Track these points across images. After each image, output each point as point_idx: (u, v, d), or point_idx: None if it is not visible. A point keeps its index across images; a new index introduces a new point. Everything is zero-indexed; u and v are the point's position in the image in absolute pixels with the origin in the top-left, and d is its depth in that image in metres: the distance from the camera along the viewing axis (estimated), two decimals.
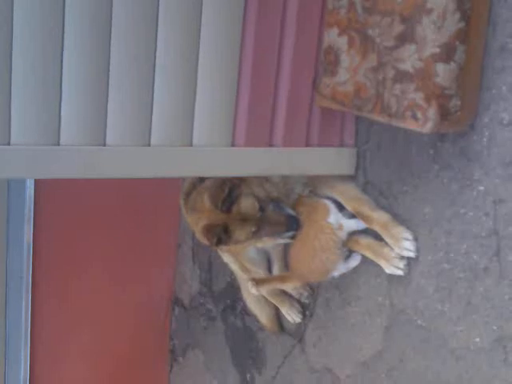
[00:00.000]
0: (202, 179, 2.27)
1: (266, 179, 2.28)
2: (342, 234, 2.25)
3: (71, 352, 3.18)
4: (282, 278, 2.44)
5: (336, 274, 2.31)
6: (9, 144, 1.74)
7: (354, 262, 2.30)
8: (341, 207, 2.30)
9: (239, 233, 2.22)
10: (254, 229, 2.23)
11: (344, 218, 2.26)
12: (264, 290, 2.48)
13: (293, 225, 2.29)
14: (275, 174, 2.28)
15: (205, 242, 2.30)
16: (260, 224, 2.23)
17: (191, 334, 3.36)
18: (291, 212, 2.30)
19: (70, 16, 1.75)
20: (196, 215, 2.28)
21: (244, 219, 2.20)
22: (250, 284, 2.39)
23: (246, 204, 2.20)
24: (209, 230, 2.22)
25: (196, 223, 2.29)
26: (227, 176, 2.18)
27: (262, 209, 2.22)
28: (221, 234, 2.20)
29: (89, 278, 3.12)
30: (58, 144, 1.81)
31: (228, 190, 2.16)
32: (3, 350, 3.06)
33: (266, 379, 2.89)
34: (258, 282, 2.44)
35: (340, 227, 2.25)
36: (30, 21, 1.71)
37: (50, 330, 3.08)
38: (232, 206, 2.18)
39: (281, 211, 2.28)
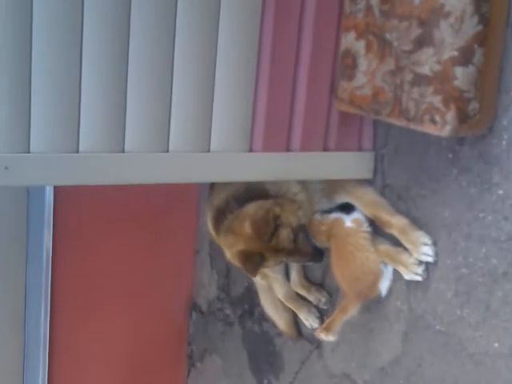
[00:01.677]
0: (237, 199, 2.29)
1: (298, 206, 2.30)
2: (365, 226, 2.26)
3: (89, 357, 3.19)
4: (342, 310, 2.33)
5: (383, 286, 2.27)
6: (28, 152, 1.76)
7: (390, 266, 2.26)
8: (345, 208, 2.32)
9: (271, 260, 2.26)
10: (284, 259, 2.29)
11: (357, 214, 2.28)
12: (335, 330, 2.39)
13: (317, 257, 2.34)
14: (293, 179, 2.28)
15: (236, 263, 2.31)
16: (289, 254, 2.27)
17: (209, 339, 3.36)
18: (317, 244, 2.34)
19: (88, 24, 1.76)
20: (232, 237, 2.28)
21: (278, 249, 2.23)
22: (322, 336, 2.35)
23: (284, 236, 2.22)
24: (247, 258, 2.23)
25: (231, 245, 2.30)
26: (246, 181, 2.20)
27: (294, 240, 2.26)
28: (258, 263, 2.23)
29: (108, 283, 3.13)
30: (77, 151, 1.82)
31: (274, 225, 2.19)
32: (22, 355, 3.08)
33: None
34: (326, 329, 2.34)
35: (359, 224, 2.26)
36: (48, 29, 1.72)
37: (68, 335, 3.09)
38: (272, 237, 2.21)
39: (308, 242, 2.32)
